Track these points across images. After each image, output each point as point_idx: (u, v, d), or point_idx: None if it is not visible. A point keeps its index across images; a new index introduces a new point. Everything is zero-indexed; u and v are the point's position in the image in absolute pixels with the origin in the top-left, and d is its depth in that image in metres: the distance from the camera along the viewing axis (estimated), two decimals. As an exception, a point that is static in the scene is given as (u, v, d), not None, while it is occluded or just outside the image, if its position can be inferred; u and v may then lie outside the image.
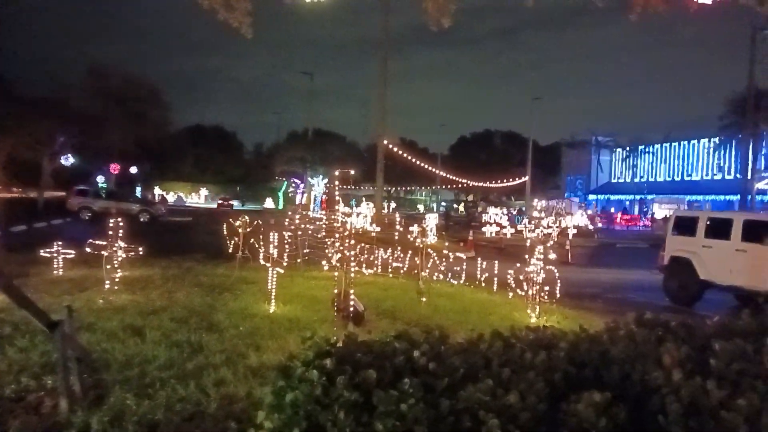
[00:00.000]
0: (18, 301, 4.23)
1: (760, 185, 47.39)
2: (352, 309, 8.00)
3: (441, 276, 12.03)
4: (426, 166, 36.71)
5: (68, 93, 33.13)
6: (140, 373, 5.51)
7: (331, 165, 46.11)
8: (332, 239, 10.13)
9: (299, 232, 13.53)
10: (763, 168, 53.37)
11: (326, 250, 13.16)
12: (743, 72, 36.19)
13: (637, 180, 65.12)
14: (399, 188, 75.25)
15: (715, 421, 2.68)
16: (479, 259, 13.25)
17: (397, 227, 14.37)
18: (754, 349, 3.13)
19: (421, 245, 10.76)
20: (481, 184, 60.04)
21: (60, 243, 10.71)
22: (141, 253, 10.65)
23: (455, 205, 75.99)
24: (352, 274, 8.72)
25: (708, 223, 13.11)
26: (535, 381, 2.58)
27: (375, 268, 13.36)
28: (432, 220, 26.48)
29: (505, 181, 58.90)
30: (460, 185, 65.95)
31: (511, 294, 10.78)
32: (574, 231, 36.21)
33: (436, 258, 11.83)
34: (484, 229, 34.77)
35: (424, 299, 9.86)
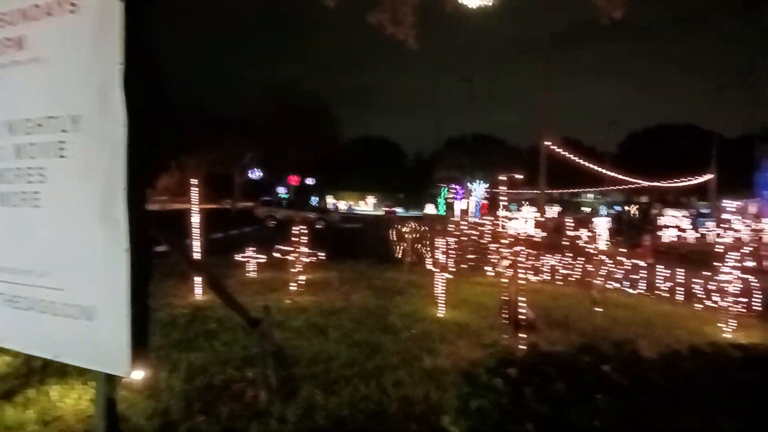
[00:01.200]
0: (226, 300, 4.80)
1: None
2: (524, 317, 7.84)
3: (616, 285, 11.31)
4: (592, 166, 34.61)
5: (249, 112, 36.85)
6: (325, 369, 5.94)
7: (490, 169, 45.58)
8: (497, 245, 10.03)
9: (464, 238, 13.59)
10: None
11: (490, 256, 13.09)
12: None
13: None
14: (563, 191, 72.04)
15: None
16: (658, 266, 12.23)
17: (566, 232, 13.81)
18: None
19: (594, 251, 10.20)
20: (655, 183, 55.23)
21: (252, 248, 11.92)
22: (323, 257, 11.43)
23: (627, 208, 70.72)
24: (524, 281, 8.55)
25: None
26: (753, 405, 2.35)
27: (542, 275, 12.96)
28: (603, 224, 24.94)
29: (683, 179, 53.56)
30: (631, 186, 61.27)
31: (700, 306, 9.81)
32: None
33: (610, 265, 11.15)
34: (661, 233, 31.92)
35: (599, 309, 9.34)
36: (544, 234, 25.85)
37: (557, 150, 29.74)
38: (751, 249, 11.37)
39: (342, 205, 70.49)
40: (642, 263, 12.22)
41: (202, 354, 6.37)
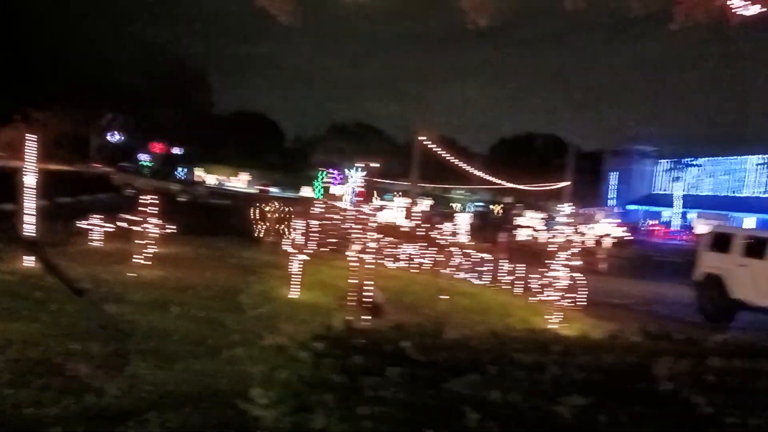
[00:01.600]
0: (48, 267, 4.47)
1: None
2: (371, 300, 8.11)
3: (465, 275, 12.05)
4: (461, 165, 36.35)
5: (117, 72, 34.24)
6: (160, 345, 5.74)
7: (369, 158, 46.31)
8: (358, 230, 10.24)
9: (326, 222, 13.70)
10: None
11: (350, 241, 13.33)
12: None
13: (679, 193, 63.33)
14: (436, 185, 74.99)
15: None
16: (508, 262, 13.19)
17: (429, 224, 14.44)
18: (752, 367, 3.12)
19: (445, 242, 10.79)
20: (519, 186, 59.35)
21: (98, 216, 11.15)
22: (174, 231, 10.98)
23: (492, 207, 75.22)
24: (373, 266, 8.81)
25: (745, 241, 12.74)
26: (523, 379, 2.64)
27: (400, 263, 13.46)
28: (464, 219, 26.36)
29: (543, 185, 58.07)
30: (498, 186, 65.33)
31: (534, 298, 10.73)
32: (613, 240, 35.52)
33: (462, 257, 11.86)
34: (517, 232, 34.38)
35: (445, 297, 9.90)
36: (413, 224, 26.77)
37: (431, 146, 30.88)
38: (582, 250, 12.65)
39: (211, 180, 67.77)
40: (492, 257, 13.12)
41: (24, 324, 5.89)
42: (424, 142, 29.36)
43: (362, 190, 45.12)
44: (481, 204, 75.21)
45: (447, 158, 33.94)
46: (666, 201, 66.33)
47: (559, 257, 9.41)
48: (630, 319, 10.96)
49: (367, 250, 7.71)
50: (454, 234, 24.89)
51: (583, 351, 3.11)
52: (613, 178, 72.74)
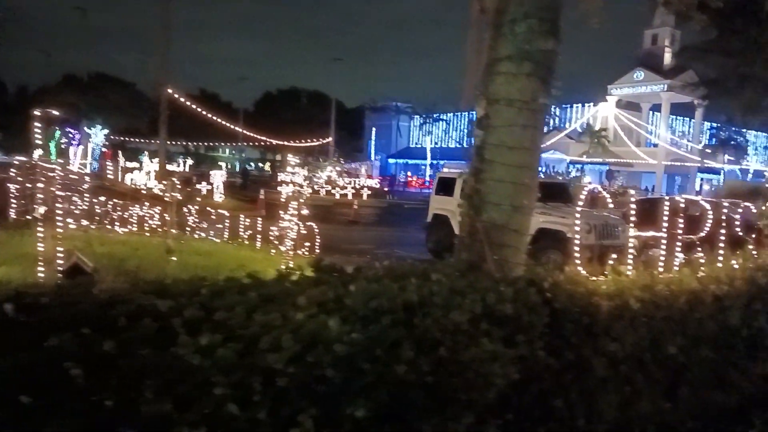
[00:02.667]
0: None
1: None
2: (71, 267, 7.15)
3: (204, 234, 11.48)
4: (216, 119, 34.69)
5: None
6: None
7: (113, 114, 41.67)
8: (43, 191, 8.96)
9: (35, 185, 11.87)
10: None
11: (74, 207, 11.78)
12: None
13: (432, 146, 69.77)
14: (199, 144, 71.18)
15: (330, 353, 2.75)
16: (263, 218, 12.89)
17: (185, 185, 13.44)
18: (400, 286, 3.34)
19: (170, 199, 10.07)
20: (284, 143, 59.31)
21: None
22: None
23: (261, 165, 74.37)
24: (88, 232, 7.79)
25: (463, 183, 14.28)
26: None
27: (131, 227, 12.30)
28: (218, 178, 25.40)
29: (308, 141, 58.90)
30: (264, 144, 64.52)
31: (274, 250, 10.67)
32: (369, 192, 37.63)
33: (207, 215, 11.24)
34: (281, 188, 34.46)
35: (174, 258, 9.27)
36: (162, 186, 24.91)
37: (183, 100, 28.77)
38: (340, 202, 13.01)
39: None
40: (251, 215, 12.69)
41: None
42: (175, 97, 27.22)
43: (107, 150, 40.59)
44: (251, 162, 73.76)
45: (203, 114, 32.05)
46: (421, 154, 72.62)
47: (290, 208, 9.40)
48: (359, 261, 11.56)
49: (53, 212, 6.71)
50: (210, 193, 23.88)
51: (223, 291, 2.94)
52: (374, 134, 77.04)
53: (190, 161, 64.06)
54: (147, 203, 13.34)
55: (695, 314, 5.00)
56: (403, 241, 17.22)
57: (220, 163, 79.62)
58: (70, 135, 38.68)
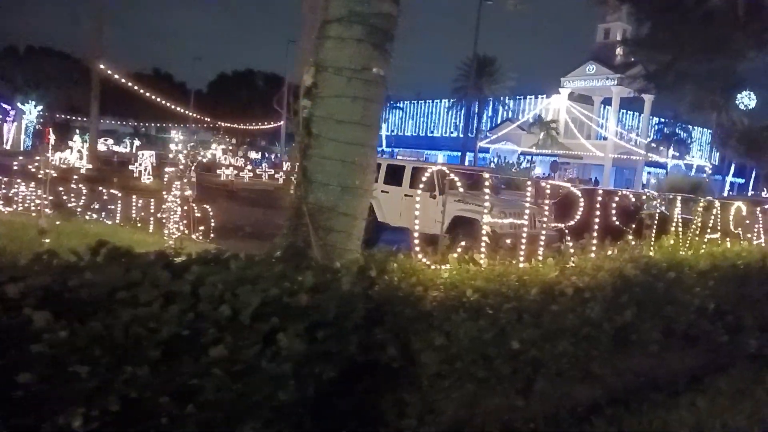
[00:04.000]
0: None
1: (482, 144, 54.04)
2: None
3: (96, 215, 10.75)
4: (160, 101, 33.23)
5: None
6: None
7: (51, 90, 39.61)
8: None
9: None
10: (489, 128, 60.91)
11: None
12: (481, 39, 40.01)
13: (387, 133, 69.38)
14: (150, 125, 68.92)
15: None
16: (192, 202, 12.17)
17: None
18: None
19: (43, 177, 9.33)
20: (236, 126, 57.92)
21: None
22: None
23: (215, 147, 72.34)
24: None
25: (386, 169, 13.90)
26: None
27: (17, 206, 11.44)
28: (146, 159, 24.37)
29: (262, 124, 57.63)
30: (215, 126, 62.89)
31: (167, 234, 10.03)
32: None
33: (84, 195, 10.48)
34: (220, 171, 33.49)
35: (46, 240, 8.57)
36: (90, 166, 23.83)
37: (116, 76, 27.42)
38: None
39: None
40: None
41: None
42: (109, 73, 25.94)
43: (45, 128, 38.60)
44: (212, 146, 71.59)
45: (141, 93, 30.57)
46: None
47: (173, 189, 8.81)
48: (250, 246, 11.02)
49: None
50: (139, 175, 22.88)
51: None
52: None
53: (137, 142, 61.97)
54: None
55: (552, 306, 4.69)
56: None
57: (171, 145, 77.21)
58: (3, 112, 36.58)
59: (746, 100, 35.47)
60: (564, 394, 5.28)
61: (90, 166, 24.07)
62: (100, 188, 11.95)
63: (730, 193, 48.28)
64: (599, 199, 5.59)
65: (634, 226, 6.07)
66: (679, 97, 29.01)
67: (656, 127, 55.14)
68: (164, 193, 8.93)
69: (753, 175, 51.50)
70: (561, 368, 4.98)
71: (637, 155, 49.72)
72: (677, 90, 24.31)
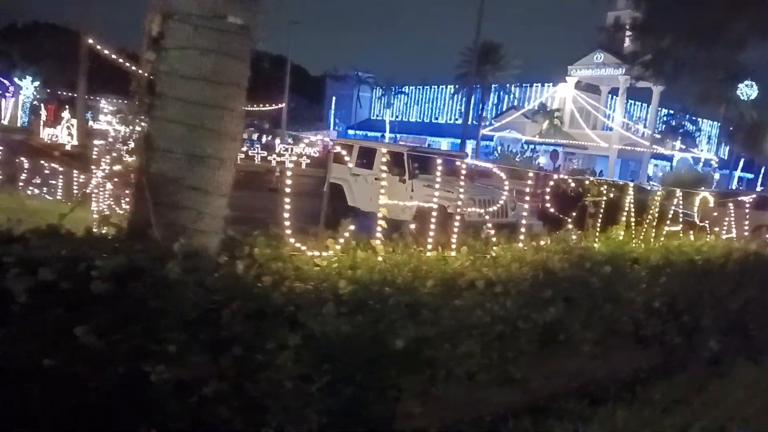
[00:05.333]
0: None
1: (486, 131, 53.12)
2: None
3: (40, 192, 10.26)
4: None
5: None
6: None
7: (49, 65, 39.04)
8: None
9: None
10: (494, 116, 59.90)
11: None
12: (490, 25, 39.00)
13: (392, 119, 68.52)
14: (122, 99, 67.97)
15: None
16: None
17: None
18: None
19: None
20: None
21: None
22: None
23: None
24: None
25: (357, 153, 13.32)
26: None
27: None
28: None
29: (264, 106, 56.95)
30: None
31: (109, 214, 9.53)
32: (308, 161, 36.45)
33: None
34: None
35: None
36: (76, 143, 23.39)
37: (100, 49, 26.69)
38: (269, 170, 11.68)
39: None
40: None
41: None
42: (99, 48, 25.32)
43: (48, 105, 38.06)
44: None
45: (129, 68, 29.79)
46: (381, 126, 71.16)
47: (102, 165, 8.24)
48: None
49: None
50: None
51: None
52: (334, 103, 75.20)
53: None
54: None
55: (455, 301, 4.12)
56: (306, 211, 16.18)
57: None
58: (5, 86, 36.10)
59: (747, 90, 34.32)
60: (478, 400, 4.73)
61: (76, 143, 23.61)
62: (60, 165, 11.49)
63: (740, 187, 47.16)
64: (530, 183, 4.98)
65: (574, 214, 5.47)
66: (681, 87, 28.02)
67: (664, 119, 53.90)
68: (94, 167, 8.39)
69: (762, 171, 50.23)
70: (470, 371, 4.42)
71: (642, 147, 48.61)
72: (676, 79, 23.38)
